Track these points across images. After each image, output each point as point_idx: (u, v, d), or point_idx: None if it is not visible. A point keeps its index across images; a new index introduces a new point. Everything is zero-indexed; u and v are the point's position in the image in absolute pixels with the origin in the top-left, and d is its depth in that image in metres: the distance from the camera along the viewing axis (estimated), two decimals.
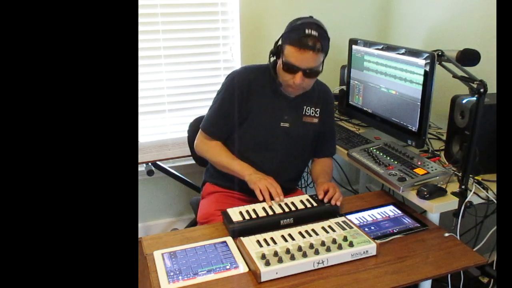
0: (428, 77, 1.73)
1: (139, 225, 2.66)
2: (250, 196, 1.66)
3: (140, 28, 2.32)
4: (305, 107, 1.76)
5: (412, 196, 1.58)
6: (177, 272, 1.28)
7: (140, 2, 2.27)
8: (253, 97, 1.70)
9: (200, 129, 1.79)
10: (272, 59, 1.71)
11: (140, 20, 2.30)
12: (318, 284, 1.24)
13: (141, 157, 2.21)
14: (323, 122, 1.80)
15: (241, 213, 1.50)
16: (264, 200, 1.54)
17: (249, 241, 1.36)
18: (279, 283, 1.24)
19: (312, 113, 1.77)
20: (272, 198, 1.55)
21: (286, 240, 1.36)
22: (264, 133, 1.72)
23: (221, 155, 1.73)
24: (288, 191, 1.76)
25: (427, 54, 1.73)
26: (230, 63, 2.57)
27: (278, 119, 1.73)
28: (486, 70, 1.81)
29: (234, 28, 2.51)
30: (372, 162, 1.76)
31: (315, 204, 1.55)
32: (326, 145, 1.86)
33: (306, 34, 1.53)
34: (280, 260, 1.26)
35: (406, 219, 1.57)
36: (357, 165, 1.87)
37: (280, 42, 1.63)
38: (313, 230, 1.42)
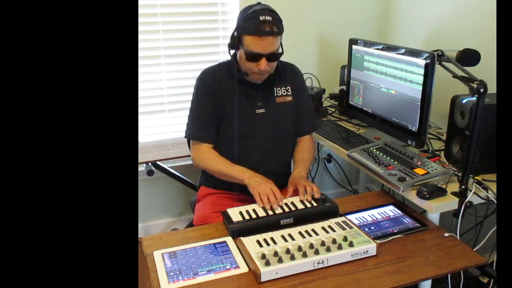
0: (428, 77, 1.73)
1: (139, 225, 2.66)
2: (246, 195, 1.65)
3: (140, 28, 2.32)
4: (275, 88, 1.80)
5: (412, 196, 1.58)
6: (177, 272, 1.28)
7: (140, 2, 2.27)
8: (224, 94, 1.73)
9: (190, 141, 1.80)
10: (232, 51, 1.75)
11: (140, 20, 2.30)
12: (318, 284, 1.24)
13: (141, 157, 2.21)
14: (297, 99, 1.83)
15: (241, 213, 1.50)
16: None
17: (249, 241, 1.36)
18: (279, 283, 1.24)
19: (284, 92, 1.80)
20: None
21: (286, 240, 1.36)
22: (243, 124, 1.74)
23: (218, 163, 1.73)
24: (279, 187, 1.74)
25: (427, 54, 1.73)
26: None
27: (253, 107, 1.76)
28: (486, 70, 1.81)
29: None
30: (372, 162, 1.76)
31: (315, 204, 1.55)
32: (303, 122, 1.88)
33: (261, 20, 1.57)
34: (280, 260, 1.26)
35: (406, 219, 1.57)
36: (357, 165, 1.87)
37: (236, 34, 1.66)
38: (313, 230, 1.42)
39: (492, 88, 1.44)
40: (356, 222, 1.54)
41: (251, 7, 1.64)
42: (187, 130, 1.79)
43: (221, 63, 1.82)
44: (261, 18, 1.57)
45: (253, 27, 1.58)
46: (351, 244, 1.33)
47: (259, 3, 1.66)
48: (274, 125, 1.78)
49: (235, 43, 1.67)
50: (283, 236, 1.38)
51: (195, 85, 1.79)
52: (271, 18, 1.58)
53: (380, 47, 2.01)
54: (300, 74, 1.89)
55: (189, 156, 2.13)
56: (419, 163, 1.69)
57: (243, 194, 1.72)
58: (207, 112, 1.74)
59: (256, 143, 1.76)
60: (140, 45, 2.34)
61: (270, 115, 1.78)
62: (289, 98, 1.81)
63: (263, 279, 1.24)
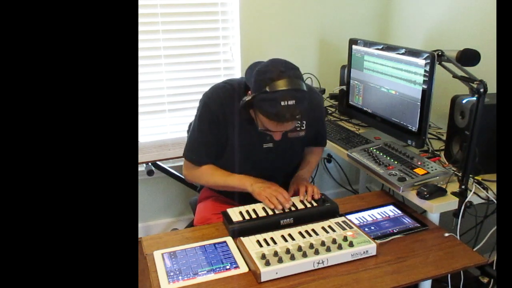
0: (428, 77, 1.73)
1: (139, 225, 2.66)
2: (248, 203, 1.61)
3: (140, 28, 2.32)
4: None
5: (412, 196, 1.58)
6: (177, 272, 1.28)
7: (140, 2, 2.27)
8: (229, 121, 1.58)
9: (184, 158, 1.69)
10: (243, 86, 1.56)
11: (140, 20, 2.30)
12: (318, 284, 1.24)
13: (141, 157, 2.20)
14: (310, 129, 1.64)
15: (241, 213, 1.50)
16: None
17: (249, 241, 1.36)
18: (279, 283, 1.24)
19: (298, 127, 1.55)
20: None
21: (286, 240, 1.36)
22: (247, 156, 1.63)
23: (214, 176, 1.64)
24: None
25: (427, 54, 1.73)
26: (230, 63, 2.57)
27: (260, 140, 1.62)
28: (486, 70, 1.81)
29: (234, 28, 2.51)
30: (372, 162, 1.76)
31: (315, 204, 1.55)
32: (315, 140, 1.79)
33: (282, 106, 1.34)
34: (280, 260, 1.26)
35: (406, 219, 1.57)
36: (357, 165, 1.87)
37: (249, 99, 1.40)
38: (313, 230, 1.42)
39: (492, 88, 1.44)
40: (356, 222, 1.54)
41: (272, 79, 1.35)
42: (186, 149, 1.68)
43: (229, 86, 1.60)
44: (282, 103, 1.33)
45: (272, 113, 1.35)
46: (351, 244, 1.33)
47: (282, 72, 1.37)
48: (282, 158, 1.67)
49: (247, 106, 1.43)
50: (283, 236, 1.38)
51: (199, 106, 1.63)
52: (294, 102, 1.33)
53: (380, 47, 2.01)
54: (319, 105, 1.72)
55: None
56: (419, 163, 1.69)
57: (244, 203, 1.68)
58: (206, 140, 1.61)
59: (260, 172, 1.66)
60: (140, 45, 2.34)
61: (278, 149, 1.64)
62: (302, 133, 1.56)
63: (263, 279, 1.24)
